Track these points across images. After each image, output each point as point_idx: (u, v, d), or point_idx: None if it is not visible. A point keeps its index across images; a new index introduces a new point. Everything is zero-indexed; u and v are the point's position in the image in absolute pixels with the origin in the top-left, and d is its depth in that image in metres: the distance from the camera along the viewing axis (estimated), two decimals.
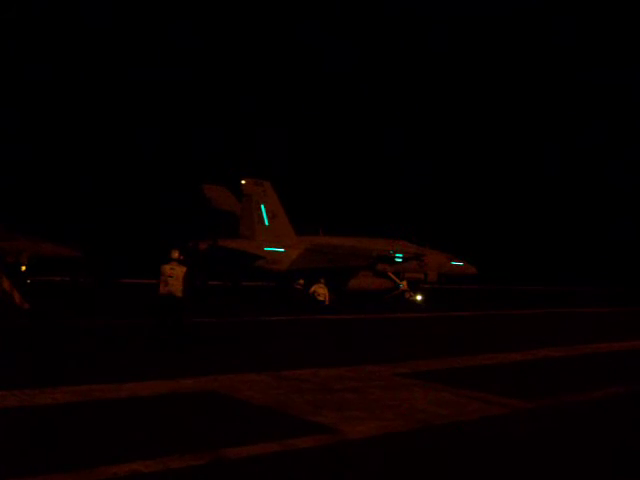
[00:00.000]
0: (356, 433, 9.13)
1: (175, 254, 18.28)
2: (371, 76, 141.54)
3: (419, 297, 49.54)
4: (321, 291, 38.04)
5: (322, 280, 38.50)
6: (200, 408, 10.58)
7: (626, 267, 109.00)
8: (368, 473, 7.59)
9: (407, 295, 49.50)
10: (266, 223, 45.94)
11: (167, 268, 18.06)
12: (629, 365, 17.99)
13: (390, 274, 48.99)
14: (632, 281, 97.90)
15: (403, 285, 49.52)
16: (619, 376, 15.72)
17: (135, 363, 14.98)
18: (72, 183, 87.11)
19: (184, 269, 18.19)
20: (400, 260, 48.35)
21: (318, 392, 11.98)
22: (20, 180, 79.47)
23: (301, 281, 41.71)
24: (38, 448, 7.96)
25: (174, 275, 17.98)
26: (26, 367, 13.96)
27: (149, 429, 9.06)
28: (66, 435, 8.59)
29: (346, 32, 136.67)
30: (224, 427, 9.32)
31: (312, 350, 18.71)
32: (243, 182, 45.86)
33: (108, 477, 6.90)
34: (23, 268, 43.91)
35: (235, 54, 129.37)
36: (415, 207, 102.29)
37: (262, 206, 45.84)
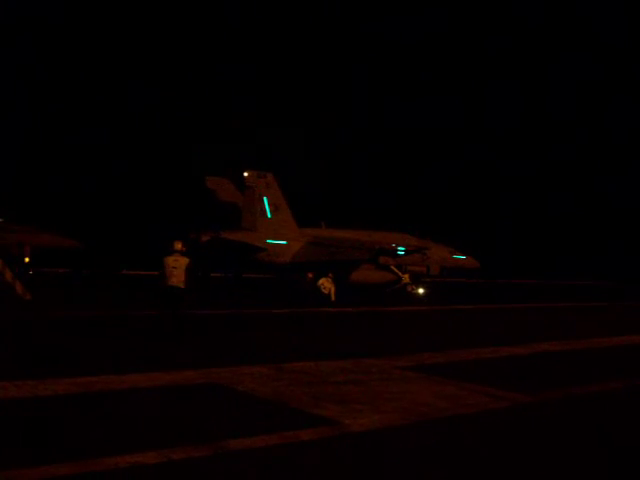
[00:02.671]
0: (357, 426, 9.15)
1: (178, 245, 18.27)
2: (373, 67, 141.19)
3: (421, 290, 49.53)
4: (327, 285, 38.08)
5: (330, 275, 38.60)
6: (201, 400, 10.61)
7: (626, 261, 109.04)
8: (369, 465, 7.60)
9: (409, 288, 49.46)
10: (268, 215, 45.92)
11: (170, 260, 18.06)
12: (629, 359, 18.01)
13: (392, 267, 48.96)
14: (631, 276, 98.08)
15: (405, 278, 49.48)
16: (619, 370, 15.74)
17: (136, 355, 15.00)
18: (74, 175, 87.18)
19: (187, 260, 18.19)
20: (402, 253, 48.29)
21: (319, 384, 11.99)
22: (22, 172, 79.54)
23: (310, 274, 41.78)
24: (39, 439, 7.99)
25: (177, 266, 17.99)
26: (27, 358, 13.99)
27: (150, 421, 9.08)
28: (67, 426, 8.61)
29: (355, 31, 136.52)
30: (225, 419, 9.34)
31: (313, 342, 18.73)
32: (246, 174, 45.83)
33: (109, 468, 6.92)
34: (26, 259, 43.98)
35: (240, 44, 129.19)
36: (418, 200, 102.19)
37: (265, 198, 45.82)
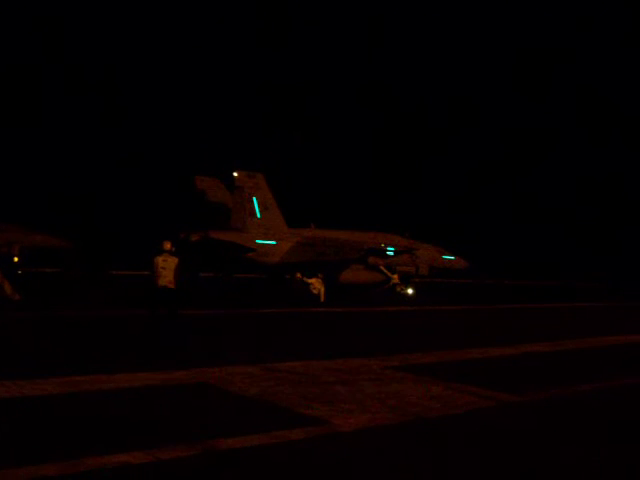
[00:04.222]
0: (347, 425, 9.16)
1: (167, 245, 18.25)
2: (364, 64, 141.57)
3: (410, 291, 49.60)
4: (317, 285, 38.08)
5: (320, 275, 38.58)
6: (191, 400, 10.59)
7: (617, 261, 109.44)
8: (359, 465, 7.61)
9: (398, 289, 49.54)
10: (258, 215, 45.87)
11: (159, 260, 18.03)
12: (618, 360, 18.10)
13: (382, 267, 49.00)
14: (620, 275, 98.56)
15: (394, 278, 49.55)
16: (608, 370, 15.82)
17: (126, 354, 14.96)
18: (64, 174, 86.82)
19: (176, 260, 18.16)
20: (392, 253, 48.35)
21: (309, 384, 12.00)
22: (12, 171, 79.17)
23: (298, 275, 41.81)
24: (27, 439, 7.95)
25: (166, 267, 17.96)
26: (16, 358, 13.93)
27: (139, 420, 9.05)
28: (55, 426, 8.58)
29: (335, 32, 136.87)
30: (215, 419, 9.33)
31: (303, 342, 18.73)
32: (235, 174, 45.76)
33: (97, 468, 6.90)
34: (15, 259, 43.76)
35: (231, 43, 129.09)
36: (408, 201, 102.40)
37: (254, 198, 45.77)
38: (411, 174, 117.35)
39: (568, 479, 7.67)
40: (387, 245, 48.50)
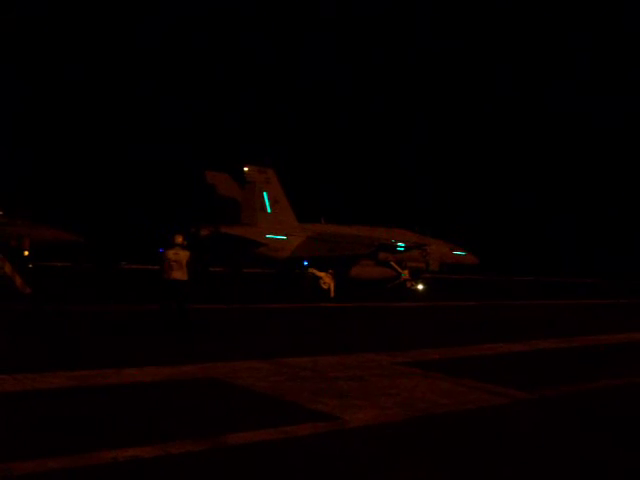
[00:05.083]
0: (356, 421, 9.14)
1: (179, 239, 18.30)
2: (364, 64, 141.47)
3: (420, 286, 49.58)
4: (327, 280, 38.17)
5: (330, 270, 38.68)
6: (200, 394, 10.60)
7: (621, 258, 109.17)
8: (367, 461, 7.60)
9: (408, 284, 49.57)
10: (268, 210, 45.91)
11: (171, 253, 18.09)
12: (628, 357, 18.01)
13: (392, 263, 48.98)
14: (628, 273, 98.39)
15: (405, 274, 49.55)
16: (618, 367, 15.74)
17: (135, 349, 15.00)
18: (74, 169, 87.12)
19: (187, 254, 18.21)
20: (402, 249, 48.33)
21: (318, 380, 11.99)
22: (21, 165, 79.58)
23: (311, 269, 42.01)
24: (38, 432, 7.98)
25: (178, 260, 18.01)
26: (27, 351, 13.99)
27: (149, 415, 9.07)
28: (66, 420, 8.60)
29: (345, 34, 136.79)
30: (223, 414, 9.33)
31: (312, 338, 18.73)
32: (246, 169, 45.81)
33: (108, 462, 6.91)
34: (25, 253, 43.92)
35: (243, 42, 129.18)
36: (418, 196, 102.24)
37: (265, 193, 45.82)
38: (416, 172, 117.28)
39: None
40: (398, 240, 48.50)
